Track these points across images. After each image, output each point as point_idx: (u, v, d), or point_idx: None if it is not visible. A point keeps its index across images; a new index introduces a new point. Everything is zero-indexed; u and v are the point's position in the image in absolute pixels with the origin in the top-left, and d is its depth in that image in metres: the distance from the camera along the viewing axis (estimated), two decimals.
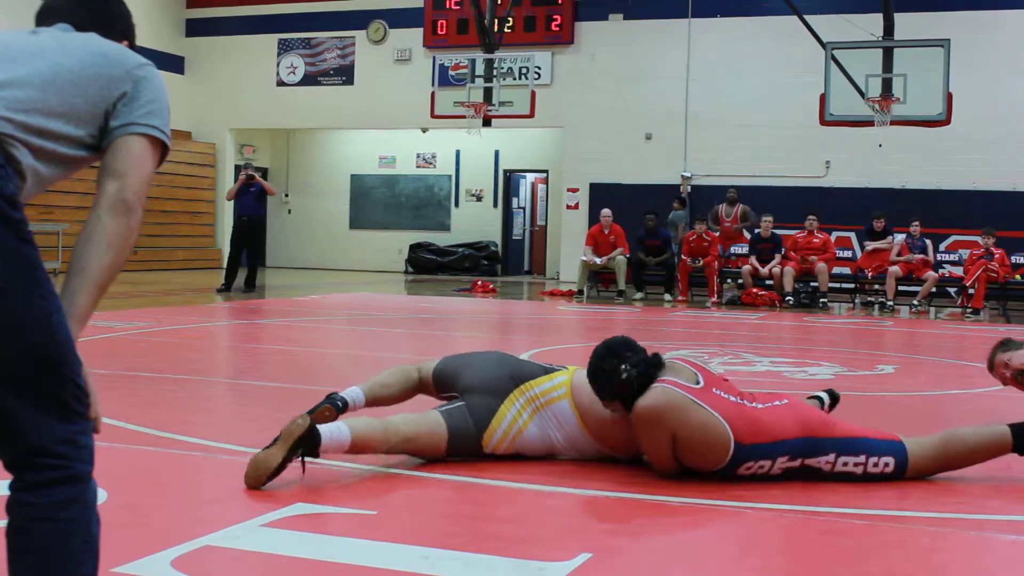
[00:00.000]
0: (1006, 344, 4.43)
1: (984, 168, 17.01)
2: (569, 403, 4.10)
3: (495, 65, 16.06)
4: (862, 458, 3.88)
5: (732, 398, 3.89)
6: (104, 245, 1.92)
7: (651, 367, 3.89)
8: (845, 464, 3.87)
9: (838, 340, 10.64)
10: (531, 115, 16.09)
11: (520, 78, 17.92)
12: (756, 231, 15.71)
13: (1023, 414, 4.20)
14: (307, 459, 3.74)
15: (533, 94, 16.33)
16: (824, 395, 4.72)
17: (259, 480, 3.64)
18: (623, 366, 3.85)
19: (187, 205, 21.19)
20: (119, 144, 1.98)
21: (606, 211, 16.09)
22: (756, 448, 3.80)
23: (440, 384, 4.34)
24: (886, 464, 3.89)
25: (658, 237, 16.00)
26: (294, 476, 3.91)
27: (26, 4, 2.34)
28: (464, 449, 4.08)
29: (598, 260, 15.70)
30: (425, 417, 4.10)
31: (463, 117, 16.07)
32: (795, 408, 3.95)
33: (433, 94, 16.84)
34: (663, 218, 16.91)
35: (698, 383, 3.86)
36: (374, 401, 4.38)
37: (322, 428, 3.79)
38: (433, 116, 16.81)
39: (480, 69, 16.10)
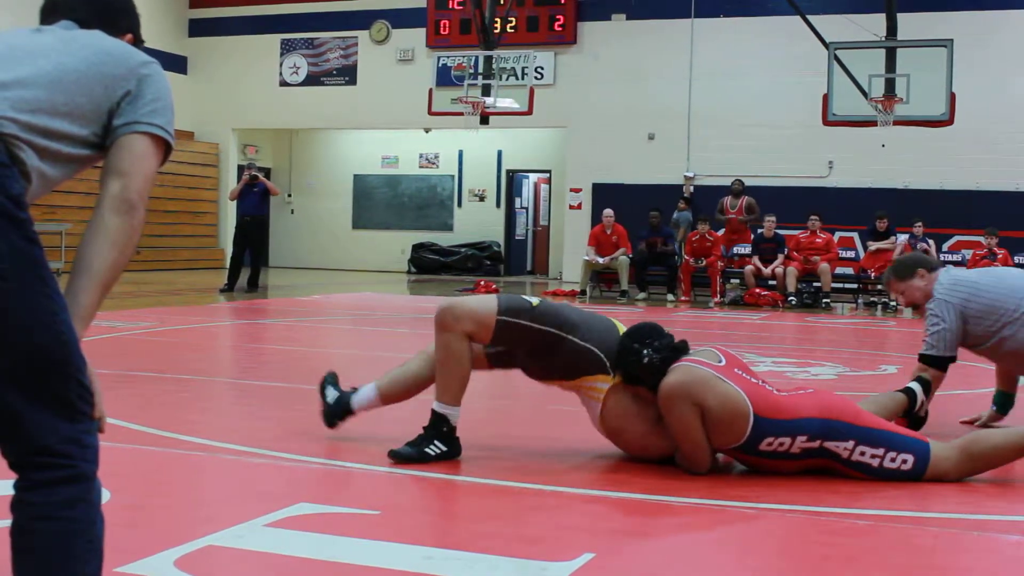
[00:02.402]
0: (899, 270, 5.11)
1: (987, 168, 16.99)
2: (599, 407, 4.12)
3: (494, 63, 16.02)
4: (880, 451, 3.89)
5: (753, 379, 3.98)
6: (108, 244, 1.92)
7: (674, 351, 4.01)
8: (863, 454, 3.88)
9: (841, 340, 10.64)
10: (529, 112, 16.07)
11: (521, 78, 17.90)
12: (759, 231, 15.71)
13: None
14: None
15: (531, 91, 16.31)
16: (915, 385, 4.74)
17: None
18: (645, 351, 3.96)
19: (190, 205, 21.19)
20: (122, 143, 1.98)
21: (608, 211, 16.09)
22: (775, 423, 3.85)
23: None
24: (904, 461, 3.89)
25: (661, 234, 16.05)
26: (298, 476, 3.92)
27: (28, 2, 2.34)
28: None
29: (601, 260, 15.70)
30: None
31: (461, 115, 16.06)
32: (819, 395, 4.02)
33: (431, 91, 16.81)
34: (667, 216, 16.95)
35: (720, 362, 3.98)
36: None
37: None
38: (431, 113, 16.78)
39: (480, 67, 16.08)
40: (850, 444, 3.87)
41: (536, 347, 4.12)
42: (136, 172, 1.97)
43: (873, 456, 3.88)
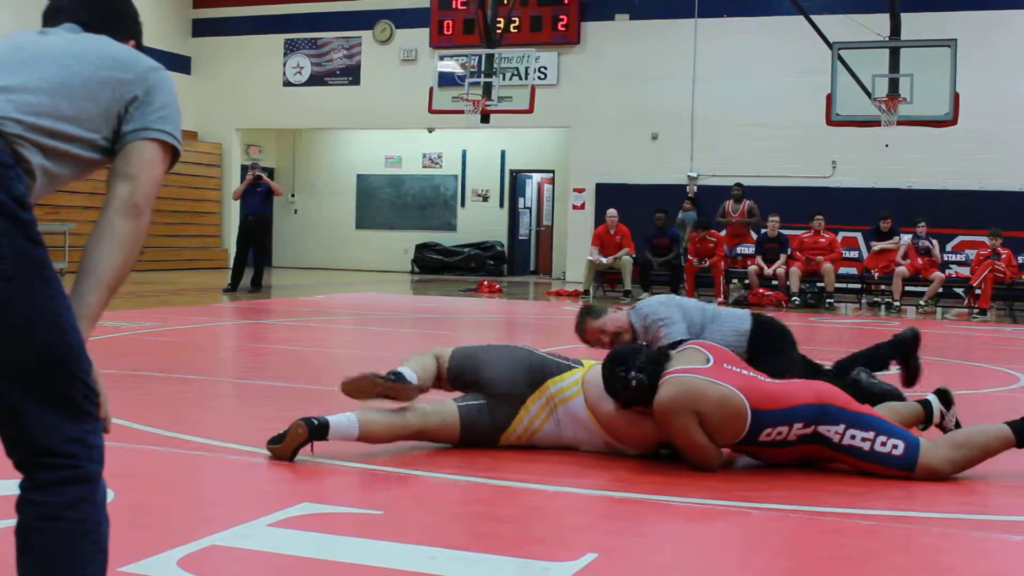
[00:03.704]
0: (592, 312, 5.23)
1: (990, 168, 16.97)
2: (582, 400, 4.22)
3: (495, 62, 15.99)
4: (870, 434, 3.92)
5: (744, 371, 4.01)
6: (115, 247, 1.93)
7: (657, 364, 4.03)
8: (853, 437, 3.91)
9: (844, 340, 10.62)
10: (530, 110, 16.04)
11: (524, 78, 17.86)
12: (763, 231, 15.71)
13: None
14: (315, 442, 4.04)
15: (533, 89, 16.27)
16: (932, 397, 4.66)
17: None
18: (631, 373, 4.00)
19: (193, 205, 21.21)
20: (131, 148, 1.99)
21: (612, 211, 16.09)
22: (772, 414, 3.89)
23: (456, 380, 4.40)
24: (895, 446, 3.91)
25: (666, 235, 16.04)
26: (301, 476, 3.92)
27: (30, 2, 2.35)
28: (477, 441, 4.26)
29: (604, 260, 15.70)
30: (439, 409, 4.26)
31: (461, 112, 16.02)
32: (809, 382, 4.10)
33: (432, 89, 16.77)
34: (672, 216, 16.93)
35: (708, 362, 4.00)
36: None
37: (332, 418, 4.02)
38: (431, 111, 16.75)
39: (483, 66, 16.05)
40: (841, 427, 3.92)
41: (497, 357, 4.33)
42: (144, 177, 1.99)
43: (864, 439, 3.91)
